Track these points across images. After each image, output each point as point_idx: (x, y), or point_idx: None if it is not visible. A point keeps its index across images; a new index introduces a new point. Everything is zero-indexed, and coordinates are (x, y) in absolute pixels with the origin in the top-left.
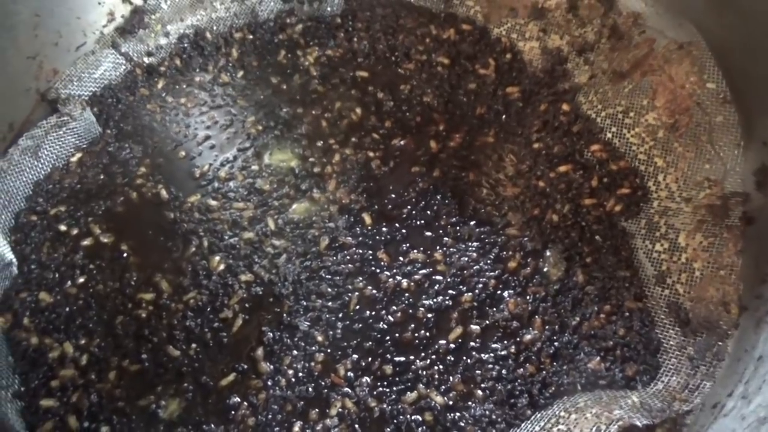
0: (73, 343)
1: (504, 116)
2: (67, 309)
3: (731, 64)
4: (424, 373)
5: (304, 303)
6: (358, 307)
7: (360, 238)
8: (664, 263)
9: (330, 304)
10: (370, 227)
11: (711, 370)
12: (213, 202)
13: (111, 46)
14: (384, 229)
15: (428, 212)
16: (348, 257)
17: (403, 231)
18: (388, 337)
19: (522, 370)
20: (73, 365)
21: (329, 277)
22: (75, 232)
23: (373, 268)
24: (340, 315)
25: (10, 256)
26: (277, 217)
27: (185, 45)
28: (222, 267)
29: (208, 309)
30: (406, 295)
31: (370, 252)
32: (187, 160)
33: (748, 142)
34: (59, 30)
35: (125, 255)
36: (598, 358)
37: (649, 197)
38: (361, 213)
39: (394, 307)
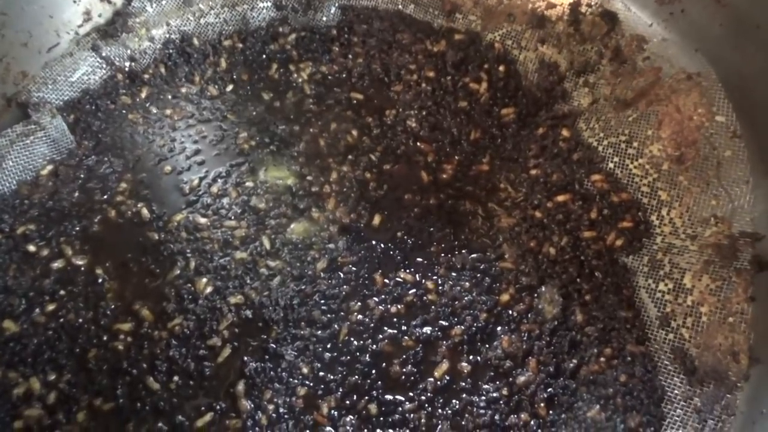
0: (40, 379)
1: (499, 140)
2: (35, 340)
3: (745, 96)
4: (412, 416)
5: (293, 330)
6: (347, 337)
7: (361, 253)
8: (668, 305)
9: (319, 333)
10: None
11: (720, 425)
12: (202, 220)
13: (91, 49)
14: (381, 245)
15: (422, 238)
16: (343, 277)
17: (398, 252)
18: (374, 371)
19: (515, 417)
20: (39, 404)
21: (323, 302)
22: (45, 253)
23: (366, 291)
24: (329, 345)
25: None
26: (274, 237)
27: (171, 51)
28: (210, 289)
29: (195, 335)
30: (395, 320)
31: (366, 273)
32: (174, 175)
33: (760, 179)
34: (29, 29)
35: (101, 281)
36: (598, 406)
37: (652, 232)
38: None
39: (381, 336)
